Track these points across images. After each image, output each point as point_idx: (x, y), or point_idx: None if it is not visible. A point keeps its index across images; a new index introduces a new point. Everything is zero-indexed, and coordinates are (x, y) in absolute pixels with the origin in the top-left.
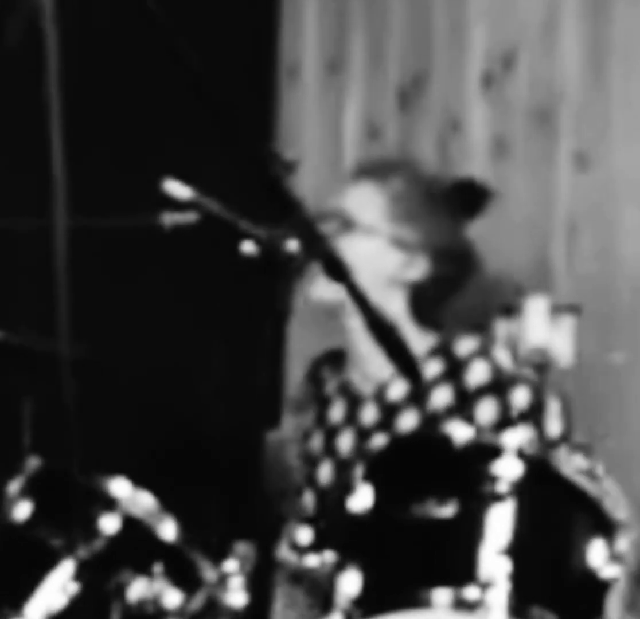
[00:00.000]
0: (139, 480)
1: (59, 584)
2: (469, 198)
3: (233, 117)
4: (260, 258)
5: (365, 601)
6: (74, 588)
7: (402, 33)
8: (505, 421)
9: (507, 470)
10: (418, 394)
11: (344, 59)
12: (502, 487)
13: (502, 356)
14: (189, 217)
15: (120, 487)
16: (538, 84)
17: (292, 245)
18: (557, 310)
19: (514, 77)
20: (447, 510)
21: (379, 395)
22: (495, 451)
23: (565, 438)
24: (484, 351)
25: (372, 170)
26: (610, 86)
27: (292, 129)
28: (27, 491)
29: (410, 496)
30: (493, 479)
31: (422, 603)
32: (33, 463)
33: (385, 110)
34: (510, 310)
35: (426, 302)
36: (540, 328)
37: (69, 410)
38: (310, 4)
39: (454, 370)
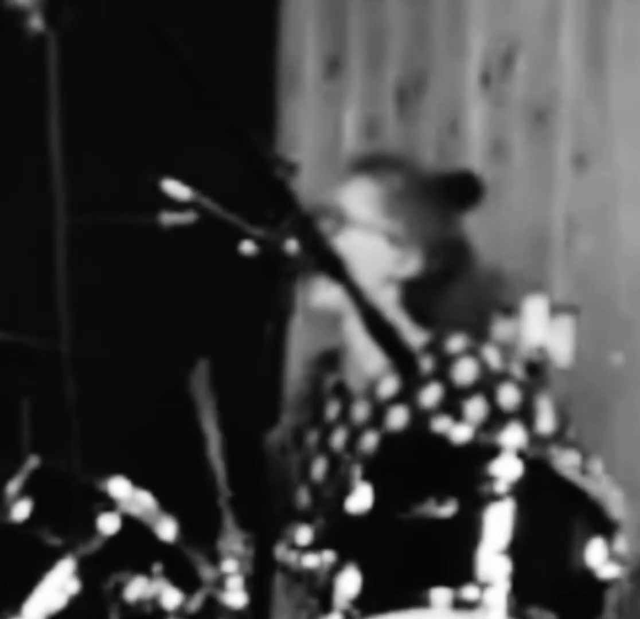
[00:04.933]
0: (138, 480)
1: (58, 584)
2: (463, 191)
3: (234, 118)
4: (260, 258)
5: (364, 601)
6: (73, 587)
7: (402, 33)
8: (494, 419)
9: (506, 469)
10: (407, 391)
11: (344, 60)
12: (501, 487)
13: (491, 354)
14: (188, 217)
15: (119, 487)
16: (537, 84)
17: (292, 245)
18: (555, 310)
19: (513, 77)
20: (446, 510)
21: (370, 393)
22: (493, 451)
23: (558, 435)
24: (472, 349)
25: (367, 166)
26: (609, 86)
27: (293, 130)
28: (26, 491)
29: (409, 496)
30: (491, 479)
31: (421, 603)
32: (32, 463)
33: (385, 111)
34: (509, 309)
35: (418, 297)
36: (539, 328)
37: (69, 410)
38: (310, 5)
39: (443, 368)
